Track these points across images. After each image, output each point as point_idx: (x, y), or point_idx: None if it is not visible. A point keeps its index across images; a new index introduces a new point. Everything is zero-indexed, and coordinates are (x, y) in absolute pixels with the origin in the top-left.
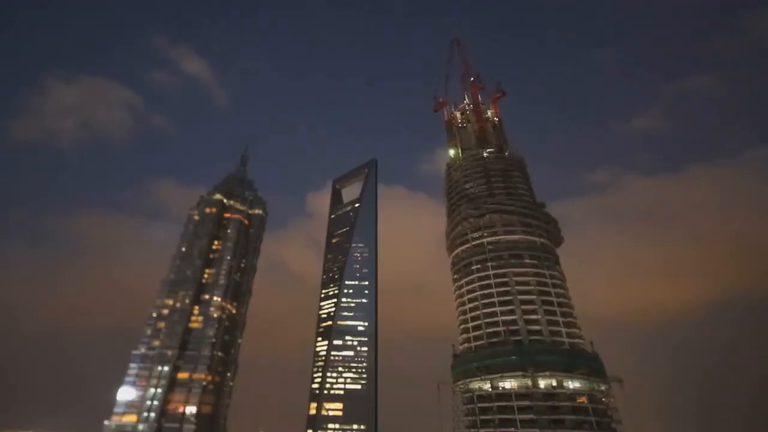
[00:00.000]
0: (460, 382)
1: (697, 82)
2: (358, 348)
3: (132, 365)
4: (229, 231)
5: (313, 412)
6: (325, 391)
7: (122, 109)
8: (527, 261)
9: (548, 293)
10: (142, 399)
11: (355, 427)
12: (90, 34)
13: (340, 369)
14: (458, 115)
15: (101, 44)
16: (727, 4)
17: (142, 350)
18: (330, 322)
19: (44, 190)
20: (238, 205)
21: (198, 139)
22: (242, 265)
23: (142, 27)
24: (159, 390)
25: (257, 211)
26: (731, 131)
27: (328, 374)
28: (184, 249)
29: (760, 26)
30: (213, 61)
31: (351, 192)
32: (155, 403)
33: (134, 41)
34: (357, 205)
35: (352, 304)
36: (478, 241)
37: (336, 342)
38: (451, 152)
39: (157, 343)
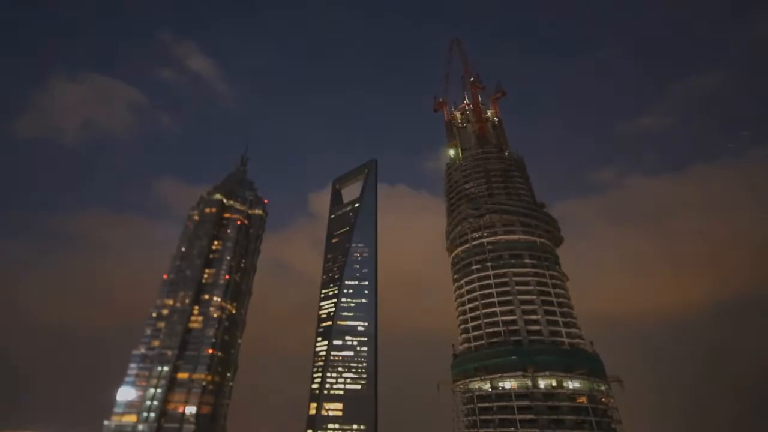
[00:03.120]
0: (459, 382)
1: (701, 81)
2: (358, 348)
3: (132, 365)
4: (229, 231)
5: (313, 412)
6: (325, 391)
7: (126, 107)
8: (527, 261)
9: (548, 293)
10: (142, 399)
11: (355, 427)
12: (95, 32)
13: (340, 369)
14: (458, 115)
15: (106, 42)
16: (731, 3)
17: (142, 350)
18: (330, 322)
19: (47, 188)
20: (237, 206)
21: (201, 137)
22: (242, 265)
23: (146, 25)
24: (159, 390)
25: (257, 211)
26: (735, 130)
27: (328, 374)
28: (184, 249)
29: (764, 25)
30: (216, 60)
31: (351, 192)
32: (155, 403)
33: (139, 39)
34: (357, 205)
35: (352, 304)
36: (478, 241)
37: (336, 342)
38: (451, 152)
39: (157, 343)
